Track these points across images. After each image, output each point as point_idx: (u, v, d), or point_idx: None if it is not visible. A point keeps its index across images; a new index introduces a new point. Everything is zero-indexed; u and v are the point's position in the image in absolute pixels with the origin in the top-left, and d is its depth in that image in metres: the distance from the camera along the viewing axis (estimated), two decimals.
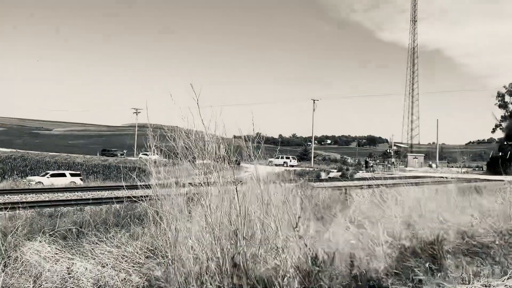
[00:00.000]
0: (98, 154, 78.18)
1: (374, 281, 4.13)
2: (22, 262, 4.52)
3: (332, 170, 55.91)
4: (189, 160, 4.67)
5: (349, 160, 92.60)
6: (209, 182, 4.40)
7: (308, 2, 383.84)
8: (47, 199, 17.61)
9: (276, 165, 52.50)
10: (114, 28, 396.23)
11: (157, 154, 5.10)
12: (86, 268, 4.50)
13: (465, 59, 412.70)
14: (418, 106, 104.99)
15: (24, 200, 16.15)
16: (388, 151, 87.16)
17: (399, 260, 4.57)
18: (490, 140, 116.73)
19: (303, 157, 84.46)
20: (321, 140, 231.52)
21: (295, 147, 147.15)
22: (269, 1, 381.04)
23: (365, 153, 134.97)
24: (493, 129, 61.27)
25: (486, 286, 4.21)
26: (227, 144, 4.70)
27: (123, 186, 15.11)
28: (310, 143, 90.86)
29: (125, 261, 4.83)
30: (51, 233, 5.65)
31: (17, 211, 10.15)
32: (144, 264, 4.75)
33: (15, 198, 17.70)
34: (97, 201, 15.07)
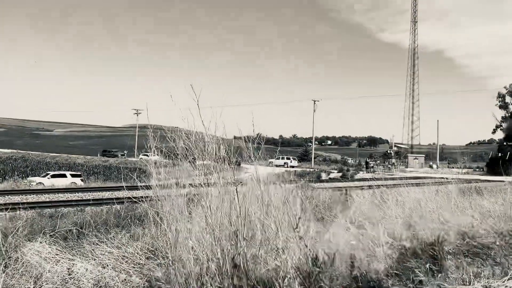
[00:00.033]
0: (98, 154, 78.27)
1: (374, 282, 4.12)
2: (23, 263, 4.53)
3: (332, 170, 56.01)
4: (189, 161, 4.66)
5: (350, 160, 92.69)
6: (209, 183, 4.40)
7: (309, 2, 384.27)
8: (47, 199, 17.62)
9: (276, 165, 52.56)
10: (114, 28, 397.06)
11: (157, 155, 5.10)
12: (87, 269, 4.50)
13: (465, 60, 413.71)
14: (419, 107, 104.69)
15: (24, 201, 16.17)
16: (388, 151, 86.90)
17: (400, 261, 4.57)
18: (491, 141, 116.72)
19: (304, 157, 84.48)
20: (321, 141, 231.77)
21: (296, 147, 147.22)
22: (270, 1, 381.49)
23: (365, 154, 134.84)
24: (494, 129, 61.12)
25: (486, 287, 4.20)
26: (227, 145, 4.69)
27: (123, 186, 15.15)
28: (310, 144, 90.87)
29: (126, 262, 4.83)
30: (51, 234, 5.66)
31: (18, 212, 10.12)
32: (144, 265, 4.75)
33: (16, 198, 17.72)
34: (98, 202, 15.03)
